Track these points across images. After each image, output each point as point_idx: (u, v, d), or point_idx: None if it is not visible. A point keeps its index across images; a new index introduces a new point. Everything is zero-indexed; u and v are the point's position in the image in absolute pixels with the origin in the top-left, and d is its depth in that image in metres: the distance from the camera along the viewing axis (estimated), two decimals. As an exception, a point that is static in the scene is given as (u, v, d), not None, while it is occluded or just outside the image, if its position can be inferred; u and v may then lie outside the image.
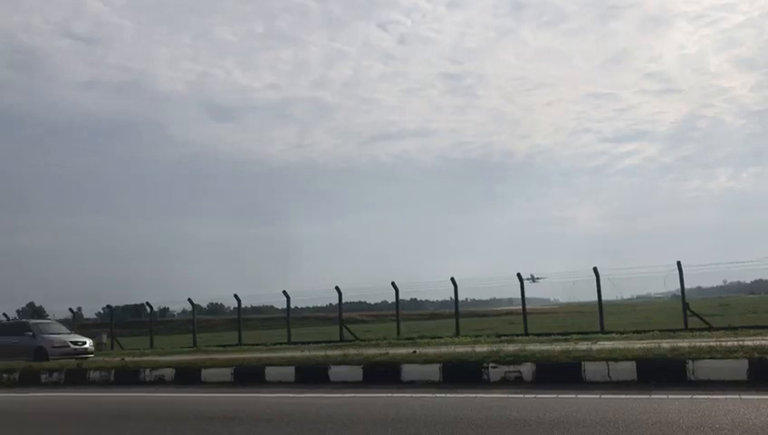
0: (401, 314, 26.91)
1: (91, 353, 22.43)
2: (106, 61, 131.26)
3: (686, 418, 6.50)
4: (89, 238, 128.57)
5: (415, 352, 13.73)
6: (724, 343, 10.75)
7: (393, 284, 25.57)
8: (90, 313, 44.96)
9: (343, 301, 26.46)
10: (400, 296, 26.25)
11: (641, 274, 22.38)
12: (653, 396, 8.08)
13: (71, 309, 35.09)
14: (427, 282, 27.38)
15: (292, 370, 12.38)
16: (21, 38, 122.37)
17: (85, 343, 22.65)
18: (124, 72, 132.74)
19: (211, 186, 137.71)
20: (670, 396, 8.01)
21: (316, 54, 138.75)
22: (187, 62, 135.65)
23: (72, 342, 22.18)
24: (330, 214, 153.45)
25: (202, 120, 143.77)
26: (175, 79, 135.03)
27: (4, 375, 15.39)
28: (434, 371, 10.97)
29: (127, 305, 50.11)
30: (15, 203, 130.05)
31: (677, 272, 20.70)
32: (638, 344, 12.68)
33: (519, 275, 23.64)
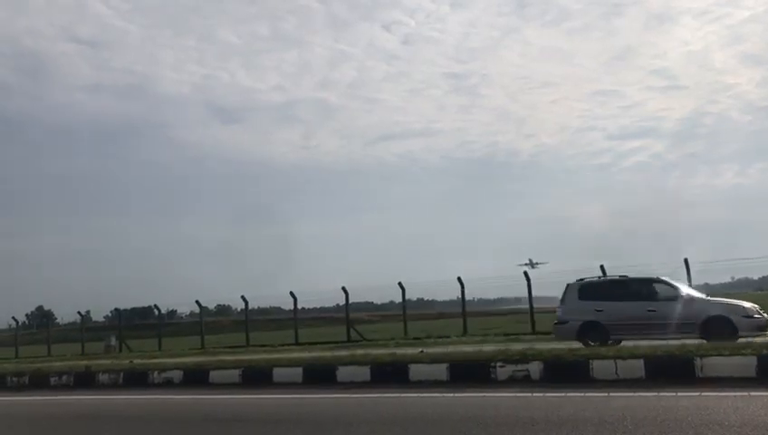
0: (408, 314, 26.92)
1: None
2: (111, 64, 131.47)
3: (695, 415, 6.48)
4: (96, 241, 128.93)
5: (422, 351, 13.73)
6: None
7: (400, 284, 25.60)
8: (98, 316, 45.12)
9: (350, 301, 26.52)
10: (407, 296, 26.29)
11: (648, 271, 22.26)
12: (661, 394, 8.05)
13: (79, 312, 35.28)
14: (433, 281, 27.44)
15: (299, 370, 12.39)
16: (26, 42, 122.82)
17: None
18: (129, 76, 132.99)
19: (217, 187, 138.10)
20: (679, 393, 7.98)
21: (320, 56, 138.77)
22: (192, 65, 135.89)
23: None
24: (335, 214, 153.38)
25: (207, 122, 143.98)
26: (180, 81, 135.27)
27: (14, 378, 15.46)
28: (441, 370, 10.96)
29: (135, 308, 50.21)
30: (22, 206, 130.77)
31: (684, 269, 20.64)
32: (646, 342, 12.66)
33: (525, 273, 23.65)
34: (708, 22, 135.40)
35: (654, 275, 16.05)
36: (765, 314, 14.23)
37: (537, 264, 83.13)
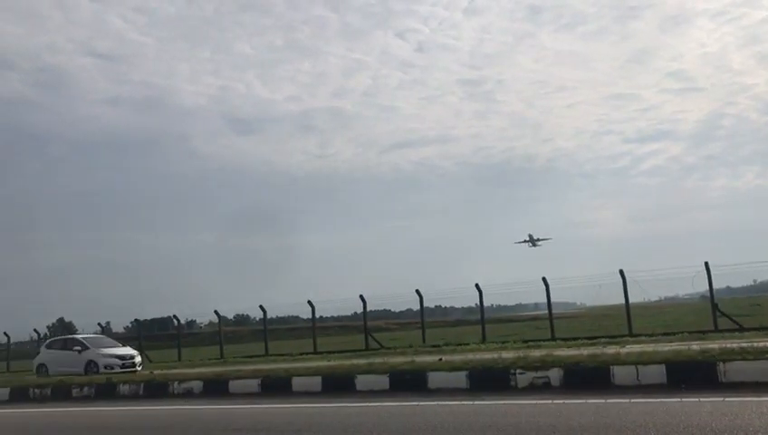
0: (426, 322, 26.86)
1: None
2: (129, 77, 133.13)
3: (718, 421, 6.40)
4: (116, 253, 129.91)
5: (441, 359, 13.68)
6: (755, 344, 10.59)
7: (417, 291, 25.56)
8: (118, 326, 45.46)
9: (368, 309, 26.49)
10: (425, 304, 26.21)
11: (668, 275, 22.12)
12: (684, 399, 7.96)
13: (99, 324, 35.54)
14: (451, 289, 27.34)
15: (318, 380, 12.40)
16: (45, 58, 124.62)
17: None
18: (147, 88, 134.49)
19: (234, 198, 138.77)
20: (701, 399, 7.89)
21: (335, 65, 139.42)
22: (208, 77, 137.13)
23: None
24: (352, 223, 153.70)
25: (224, 133, 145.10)
26: (196, 93, 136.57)
27: (37, 390, 15.62)
28: (460, 378, 10.92)
29: (154, 319, 50.62)
30: (43, 220, 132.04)
31: (705, 272, 20.43)
32: (668, 347, 12.52)
33: (544, 278, 23.45)
34: (725, 23, 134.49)
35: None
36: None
37: (539, 240, 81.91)
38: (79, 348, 22.56)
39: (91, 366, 21.66)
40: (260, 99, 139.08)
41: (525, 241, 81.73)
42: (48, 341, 25.84)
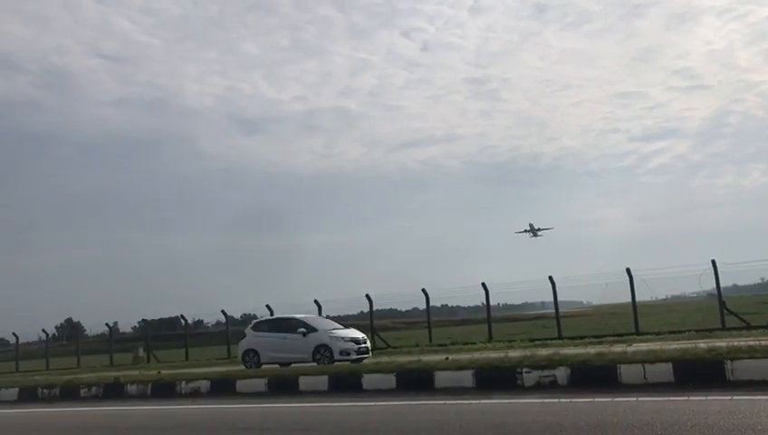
0: (433, 321, 26.86)
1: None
2: (135, 78, 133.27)
3: (727, 419, 6.38)
4: (123, 254, 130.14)
5: (447, 358, 13.69)
6: (763, 342, 10.55)
7: (423, 290, 25.55)
8: (126, 327, 45.63)
9: (374, 308, 26.50)
10: (431, 303, 26.22)
11: (675, 273, 22.03)
12: (691, 398, 7.94)
13: (107, 324, 35.72)
14: (457, 288, 27.31)
15: (325, 378, 12.42)
16: (53, 59, 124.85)
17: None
18: (153, 89, 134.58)
19: (240, 198, 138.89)
20: (709, 397, 7.87)
21: (341, 65, 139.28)
22: (215, 77, 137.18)
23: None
24: (358, 222, 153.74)
25: (230, 133, 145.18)
26: (203, 94, 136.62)
27: (45, 390, 15.69)
28: (467, 377, 10.93)
29: (162, 319, 50.70)
30: (50, 221, 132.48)
31: (712, 270, 20.37)
32: (675, 345, 12.51)
33: (551, 278, 23.40)
34: (731, 20, 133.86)
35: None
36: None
37: (540, 230, 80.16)
38: (304, 330, 18.39)
39: (321, 352, 17.65)
40: (266, 99, 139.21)
41: (526, 230, 79.54)
42: (255, 321, 21.41)
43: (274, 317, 21.97)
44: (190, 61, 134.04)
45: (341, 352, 17.45)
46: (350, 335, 18.40)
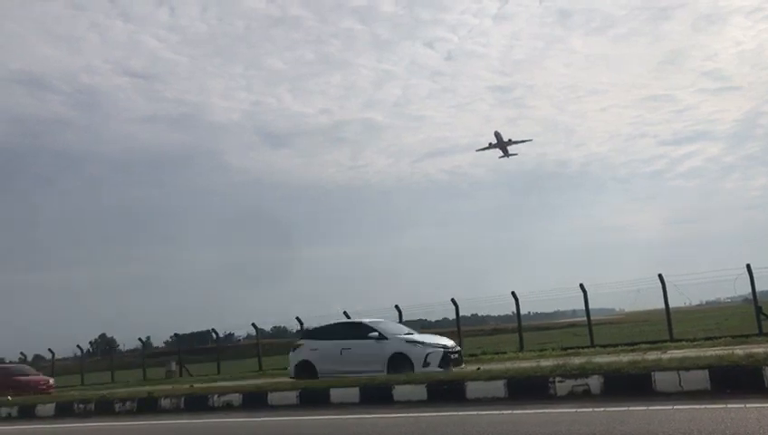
0: (463, 331, 26.73)
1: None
2: (163, 95, 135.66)
3: (766, 428, 6.25)
4: (155, 269, 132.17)
5: (479, 368, 13.61)
6: (802, 348, 10.31)
7: (453, 300, 25.49)
8: (158, 341, 46.23)
9: (403, 319, 26.46)
10: (461, 312, 26.13)
11: (709, 278, 21.66)
12: (729, 405, 7.79)
13: (140, 339, 36.18)
14: (487, 297, 27.22)
15: (356, 390, 12.42)
16: (82, 79, 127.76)
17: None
18: (181, 105, 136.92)
19: (268, 211, 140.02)
20: (747, 405, 7.71)
21: (365, 77, 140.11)
22: (241, 92, 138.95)
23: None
24: (386, 233, 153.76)
25: (257, 147, 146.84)
26: (229, 109, 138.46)
27: (81, 405, 15.92)
28: (499, 387, 10.85)
29: (193, 333, 51.23)
30: (83, 238, 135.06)
31: (747, 275, 20.01)
32: (711, 352, 12.29)
33: (581, 285, 23.18)
34: (761, 20, 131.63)
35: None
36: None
37: (510, 143, 60.62)
38: (376, 334, 15.93)
39: (399, 361, 15.17)
40: (292, 112, 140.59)
41: (491, 144, 63.09)
42: (309, 329, 19.40)
43: (336, 323, 18.85)
44: (217, 76, 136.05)
45: (427, 360, 14.98)
46: (440, 342, 15.92)
